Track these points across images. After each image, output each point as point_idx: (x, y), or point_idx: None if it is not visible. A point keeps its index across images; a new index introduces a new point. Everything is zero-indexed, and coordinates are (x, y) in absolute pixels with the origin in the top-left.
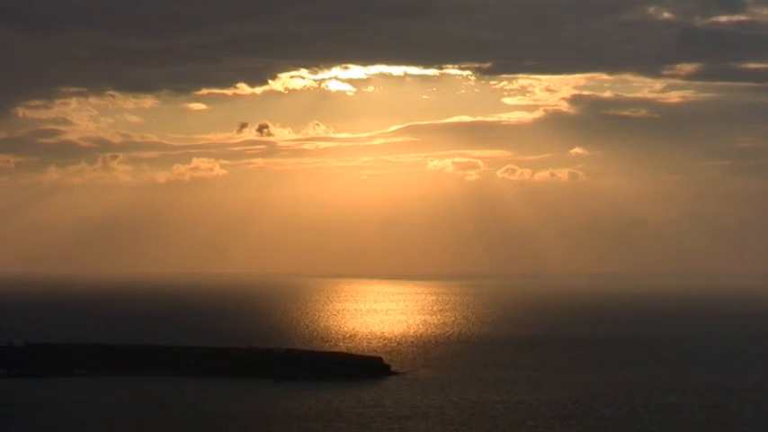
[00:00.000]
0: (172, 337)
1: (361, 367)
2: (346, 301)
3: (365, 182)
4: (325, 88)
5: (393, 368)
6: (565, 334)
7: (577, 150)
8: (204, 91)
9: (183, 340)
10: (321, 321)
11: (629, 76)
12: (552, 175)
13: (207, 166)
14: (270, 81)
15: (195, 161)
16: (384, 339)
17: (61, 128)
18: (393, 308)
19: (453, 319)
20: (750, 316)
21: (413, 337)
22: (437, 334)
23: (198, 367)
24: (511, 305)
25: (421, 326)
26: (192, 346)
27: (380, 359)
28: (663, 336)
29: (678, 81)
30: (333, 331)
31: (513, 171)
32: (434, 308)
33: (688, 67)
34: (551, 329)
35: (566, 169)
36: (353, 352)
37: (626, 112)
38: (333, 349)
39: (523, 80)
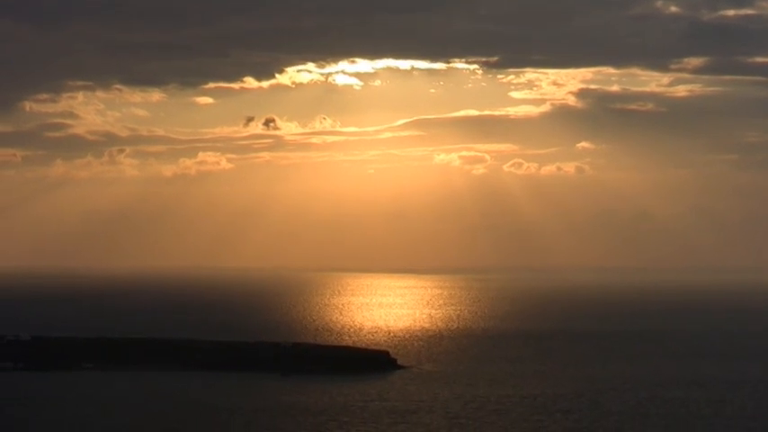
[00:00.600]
0: (178, 330)
1: (368, 361)
2: (353, 295)
3: (372, 176)
4: (333, 82)
5: (399, 362)
6: (571, 328)
7: (584, 144)
8: (211, 85)
9: (189, 334)
10: (328, 315)
11: (636, 70)
12: (559, 169)
13: (213, 160)
14: (277, 75)
15: (202, 155)
16: (390, 333)
17: (68, 121)
18: (399, 302)
19: (459, 313)
20: (756, 310)
21: (419, 330)
22: (443, 328)
23: (205, 361)
24: (517, 299)
25: (427, 320)
26: (198, 340)
27: (387, 353)
28: (669, 330)
29: (685, 75)
30: (339, 325)
31: (520, 165)
32: (441, 302)
33: (695, 61)
34: (557, 323)
35: (572, 163)
36: (360, 346)
37: (633, 106)
38: (339, 343)
39: (530, 74)
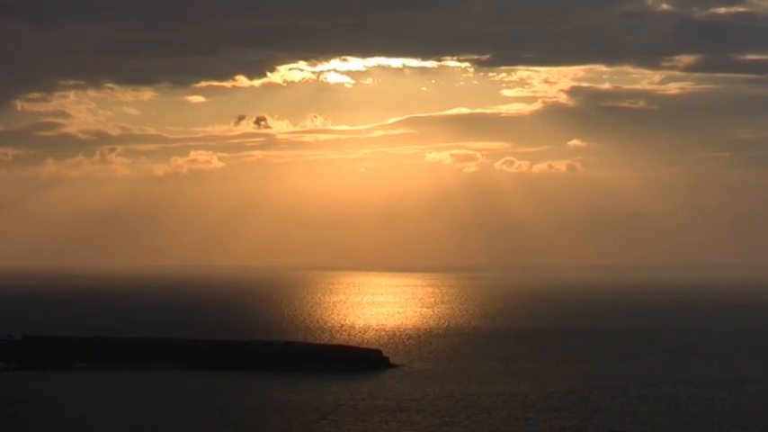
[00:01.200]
0: (171, 329)
1: (360, 360)
2: (345, 293)
3: (364, 174)
4: (324, 80)
5: (391, 360)
6: (562, 326)
7: (576, 142)
8: (203, 83)
9: (182, 333)
10: (320, 314)
11: (628, 68)
12: (550, 167)
13: (205, 159)
14: (269, 73)
15: (193, 154)
16: (383, 332)
17: (60, 121)
18: (391, 300)
19: (452, 311)
20: (747, 308)
21: (411, 329)
22: (435, 326)
23: (198, 360)
24: (509, 297)
25: (419, 318)
26: (191, 339)
27: (379, 351)
28: (660, 328)
29: (677, 72)
30: (332, 324)
31: (512, 163)
32: (433, 300)
33: (687, 59)
34: (549, 322)
35: (564, 161)
36: (352, 344)
37: (625, 104)
38: (332, 342)
39: (522, 72)
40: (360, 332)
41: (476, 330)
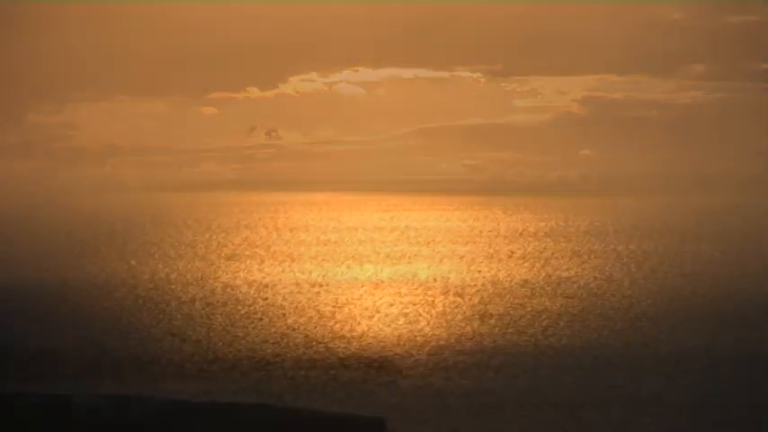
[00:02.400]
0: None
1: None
2: (359, 304)
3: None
4: (336, 91)
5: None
6: (574, 337)
7: (587, 152)
8: (215, 95)
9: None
10: (334, 324)
11: (640, 78)
12: (561, 176)
13: (217, 170)
14: (281, 84)
15: (205, 165)
16: (395, 343)
17: (72, 132)
18: (406, 311)
19: (467, 322)
20: (760, 318)
21: (425, 341)
22: (451, 336)
23: None
24: (520, 307)
25: (435, 329)
26: None
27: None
28: (669, 339)
29: (689, 82)
30: (341, 335)
31: (523, 173)
32: (448, 310)
33: (699, 68)
34: (561, 333)
35: (575, 171)
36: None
37: (637, 114)
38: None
39: (534, 82)
40: (371, 343)
41: (491, 342)
